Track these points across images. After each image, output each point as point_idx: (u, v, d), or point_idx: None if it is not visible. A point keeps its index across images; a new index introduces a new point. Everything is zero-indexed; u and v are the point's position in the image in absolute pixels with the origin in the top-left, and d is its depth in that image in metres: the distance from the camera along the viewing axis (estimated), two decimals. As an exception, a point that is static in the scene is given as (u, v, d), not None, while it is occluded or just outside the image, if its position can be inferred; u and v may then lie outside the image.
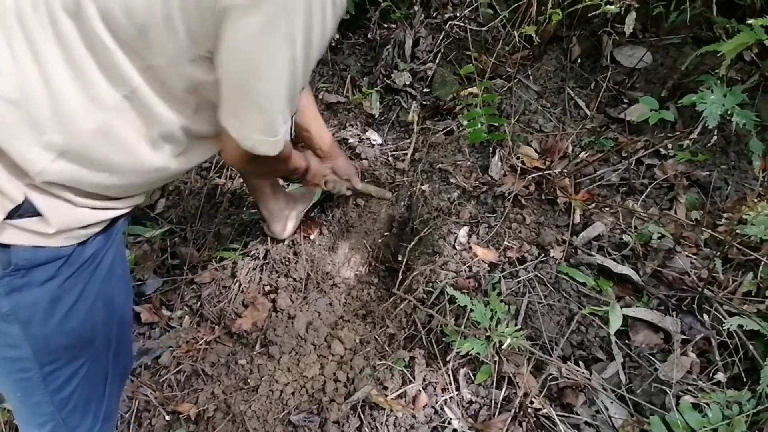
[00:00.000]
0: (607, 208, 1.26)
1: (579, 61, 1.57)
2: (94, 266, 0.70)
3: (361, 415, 1.05)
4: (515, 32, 1.49)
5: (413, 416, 1.03)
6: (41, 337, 0.67)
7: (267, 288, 1.38)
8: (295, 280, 1.39)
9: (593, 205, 1.28)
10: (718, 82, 1.17)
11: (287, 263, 1.42)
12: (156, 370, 1.23)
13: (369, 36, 1.88)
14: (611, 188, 1.32)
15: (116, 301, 0.77)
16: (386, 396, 1.06)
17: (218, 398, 1.15)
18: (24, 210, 0.61)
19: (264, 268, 1.41)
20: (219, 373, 1.20)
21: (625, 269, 1.12)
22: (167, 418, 1.14)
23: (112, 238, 0.73)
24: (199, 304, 1.34)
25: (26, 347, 0.67)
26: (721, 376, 0.98)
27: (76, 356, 0.73)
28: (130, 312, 0.86)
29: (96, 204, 0.67)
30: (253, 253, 1.42)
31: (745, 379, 0.96)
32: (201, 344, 1.25)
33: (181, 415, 1.14)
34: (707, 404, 0.91)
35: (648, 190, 1.28)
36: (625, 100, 1.49)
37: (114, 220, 0.72)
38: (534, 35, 1.41)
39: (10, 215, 0.60)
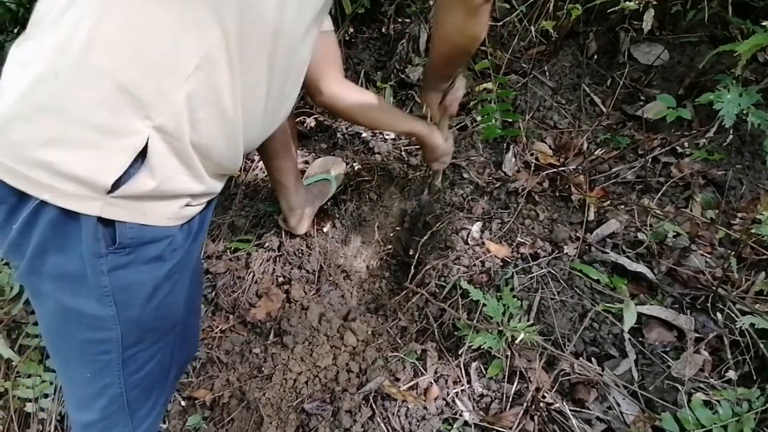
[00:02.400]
0: (622, 206, 1.26)
1: (595, 57, 1.56)
2: (190, 255, 0.71)
3: (373, 405, 1.06)
4: (532, 27, 1.48)
5: (425, 408, 1.04)
6: (134, 321, 0.68)
7: (280, 279, 1.39)
8: (308, 271, 1.41)
9: (608, 202, 1.28)
10: (734, 81, 1.17)
11: (300, 255, 1.43)
12: (172, 357, 1.25)
13: (383, 30, 1.89)
14: (627, 186, 1.32)
15: (196, 290, 0.79)
16: (398, 387, 1.07)
17: (233, 385, 1.17)
18: (129, 173, 0.59)
19: (278, 259, 1.43)
20: (234, 360, 1.22)
21: (640, 267, 1.12)
22: (183, 403, 1.17)
23: (204, 225, 0.75)
24: (214, 294, 1.36)
25: (116, 330, 0.67)
26: (732, 374, 0.98)
27: (157, 340, 0.74)
28: (200, 301, 0.88)
29: (196, 173, 0.66)
30: (267, 244, 1.44)
31: (755, 377, 0.97)
32: (216, 332, 1.27)
33: (196, 401, 1.16)
34: (718, 401, 0.92)
35: (664, 188, 1.27)
36: (642, 98, 1.48)
37: (206, 206, 0.73)
38: (551, 30, 1.40)
39: (116, 184, 0.58)
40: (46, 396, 1.28)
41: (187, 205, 0.67)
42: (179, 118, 0.59)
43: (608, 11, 1.43)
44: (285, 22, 0.65)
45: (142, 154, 0.59)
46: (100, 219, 0.60)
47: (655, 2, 1.37)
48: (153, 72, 0.57)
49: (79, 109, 0.56)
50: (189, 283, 0.76)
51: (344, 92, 1.01)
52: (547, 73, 1.56)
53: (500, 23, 1.59)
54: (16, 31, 1.80)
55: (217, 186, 0.73)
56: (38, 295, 0.68)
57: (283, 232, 1.45)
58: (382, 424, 1.03)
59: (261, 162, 1.66)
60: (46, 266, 0.63)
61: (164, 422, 1.15)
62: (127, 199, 0.60)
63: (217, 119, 0.63)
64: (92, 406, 0.74)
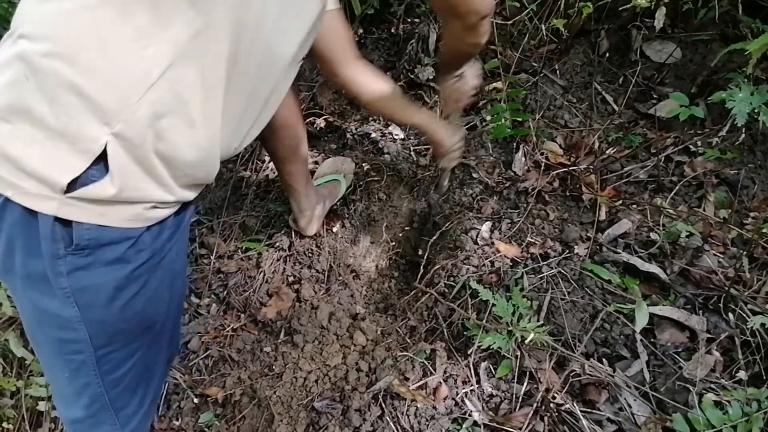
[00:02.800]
0: (634, 206, 1.25)
1: (607, 55, 1.55)
2: (161, 257, 0.70)
3: (383, 404, 1.07)
4: (542, 26, 1.47)
5: (434, 407, 1.04)
6: (98, 322, 0.67)
7: (291, 279, 1.41)
8: (318, 271, 1.42)
9: (620, 202, 1.27)
10: (746, 80, 1.16)
11: (310, 255, 1.44)
12: (185, 354, 1.27)
13: (392, 31, 1.89)
14: (639, 185, 1.31)
15: (176, 291, 0.78)
16: (407, 386, 1.07)
17: (244, 383, 1.19)
18: (89, 176, 0.59)
19: (288, 259, 1.44)
20: (245, 359, 1.24)
21: (652, 267, 1.11)
22: (195, 400, 1.18)
23: (181, 227, 0.73)
24: (225, 293, 1.38)
25: (82, 330, 0.67)
26: (742, 375, 0.97)
27: (132, 341, 0.73)
28: (183, 301, 0.87)
29: (161, 182, 0.65)
30: (277, 244, 1.45)
31: (765, 378, 0.96)
32: (228, 331, 1.29)
33: (209, 398, 1.18)
34: (728, 402, 0.91)
35: (677, 187, 1.26)
36: (654, 96, 1.46)
37: (180, 209, 0.72)
38: (562, 28, 1.39)
39: (72, 186, 0.58)
40: None
41: (154, 207, 0.66)
42: (140, 127, 0.59)
43: (620, 9, 1.42)
44: (264, 34, 0.65)
45: (105, 160, 0.59)
46: (58, 219, 0.60)
47: (666, 0, 1.36)
48: (114, 80, 0.57)
49: (41, 111, 0.57)
50: (166, 283, 0.74)
51: (360, 77, 1.02)
52: (557, 72, 1.55)
53: (510, 22, 1.58)
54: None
55: (189, 195, 0.71)
56: (14, 293, 0.69)
57: (293, 232, 1.46)
58: (392, 423, 1.04)
59: (271, 162, 1.68)
60: (15, 266, 0.64)
61: (177, 419, 1.17)
62: (85, 201, 0.60)
63: (184, 129, 0.62)
64: (76, 403, 0.75)
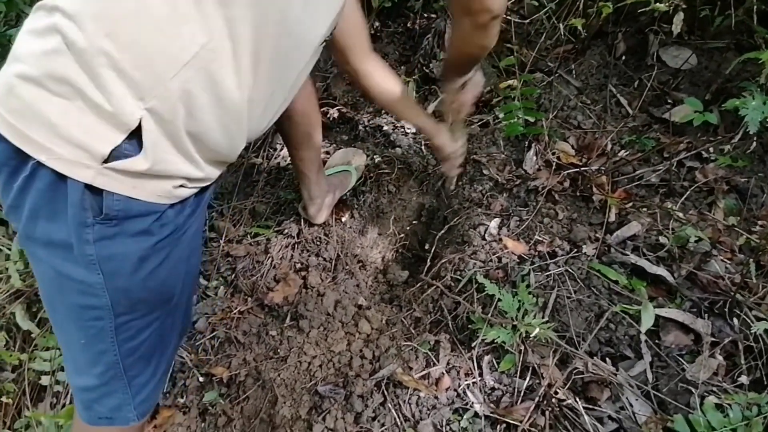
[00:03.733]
0: (644, 209, 1.25)
1: (623, 58, 1.55)
2: (182, 231, 0.72)
3: (385, 392, 1.08)
4: (561, 25, 1.48)
5: (436, 397, 1.05)
6: (122, 290, 0.69)
7: (298, 265, 1.42)
8: (325, 259, 1.43)
9: (630, 204, 1.27)
10: (759, 89, 1.17)
11: (318, 243, 1.46)
12: (192, 334, 1.29)
13: (409, 25, 1.89)
14: (650, 189, 1.31)
15: (191, 266, 0.80)
16: (410, 376, 1.09)
17: (249, 365, 1.20)
18: (123, 149, 0.61)
19: (296, 246, 1.45)
20: (251, 341, 1.25)
21: (660, 270, 1.11)
22: (201, 379, 1.20)
23: (201, 205, 0.75)
24: (233, 276, 1.39)
25: (105, 297, 0.68)
26: (744, 379, 0.98)
27: (151, 310, 0.75)
28: (198, 277, 0.88)
29: (190, 158, 0.67)
30: (286, 231, 1.46)
31: (766, 383, 0.97)
32: (234, 313, 1.30)
33: (214, 378, 1.19)
34: (729, 405, 0.92)
35: (688, 192, 1.26)
36: (669, 101, 1.47)
37: (203, 189, 0.74)
38: (580, 28, 1.40)
39: (110, 157, 0.60)
40: (63, 369, 1.28)
41: (181, 186, 0.68)
42: (173, 103, 0.61)
43: (638, 12, 1.42)
44: (293, 17, 0.67)
45: (139, 135, 0.61)
46: (88, 188, 0.61)
47: (684, 5, 1.36)
48: (150, 56, 0.59)
49: (80, 82, 0.58)
50: (185, 257, 0.76)
51: (371, 70, 1.04)
52: (573, 73, 1.55)
53: (528, 21, 1.59)
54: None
55: (214, 172, 0.73)
56: (35, 259, 0.70)
57: (302, 220, 1.47)
58: (393, 411, 1.05)
59: (283, 150, 1.69)
60: (38, 232, 0.65)
61: (182, 397, 1.19)
62: (119, 172, 0.61)
63: (215, 108, 0.64)
64: (89, 371, 0.76)
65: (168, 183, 0.66)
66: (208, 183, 0.75)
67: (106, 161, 0.60)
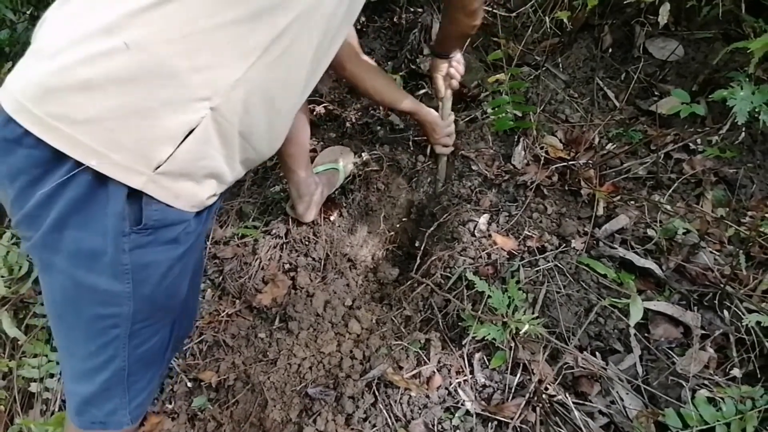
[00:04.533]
0: (632, 202, 1.25)
1: (610, 51, 1.54)
2: (199, 240, 0.73)
3: (376, 392, 1.07)
4: (546, 18, 1.47)
5: (427, 396, 1.05)
6: (147, 298, 0.69)
7: (287, 266, 1.40)
8: (314, 259, 1.41)
9: (618, 197, 1.27)
10: (747, 79, 1.16)
11: (307, 243, 1.44)
12: (179, 339, 1.27)
13: (395, 20, 1.87)
14: (638, 181, 1.31)
15: (198, 271, 0.81)
16: (401, 375, 1.08)
17: (238, 368, 1.18)
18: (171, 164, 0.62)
19: (284, 246, 1.44)
20: (239, 344, 1.24)
21: (648, 263, 1.11)
22: (189, 384, 1.18)
23: (212, 212, 0.76)
24: (221, 278, 1.37)
25: (128, 306, 0.68)
26: (736, 372, 0.98)
27: (164, 317, 0.76)
28: (201, 282, 0.90)
29: (230, 156, 0.69)
30: (274, 231, 1.45)
31: (759, 375, 0.97)
32: (223, 316, 1.28)
33: (202, 383, 1.18)
34: (722, 399, 0.92)
35: (675, 184, 1.26)
36: (656, 93, 1.46)
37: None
38: (566, 21, 1.39)
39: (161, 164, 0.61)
40: (51, 376, 1.28)
41: (213, 195, 0.70)
42: (235, 102, 0.62)
43: (624, 3, 1.41)
44: (332, 11, 0.71)
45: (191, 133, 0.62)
46: (128, 199, 0.61)
47: (670, -4, 1.35)
48: (219, 57, 0.60)
49: (146, 82, 0.58)
50: (194, 265, 0.78)
51: (352, 54, 1.12)
52: (560, 66, 1.54)
53: (514, 14, 1.57)
54: (28, 12, 1.80)
55: (240, 175, 0.76)
56: (49, 269, 0.68)
57: (290, 220, 1.45)
58: (384, 411, 1.04)
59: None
60: (64, 241, 0.63)
61: (170, 402, 1.17)
62: (168, 177, 0.62)
63: (266, 106, 0.67)
64: (93, 378, 0.75)
65: (204, 191, 0.68)
66: (227, 187, 0.76)
67: (158, 167, 0.61)
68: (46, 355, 1.29)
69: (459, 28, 1.11)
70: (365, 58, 1.21)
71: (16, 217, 0.65)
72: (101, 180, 0.60)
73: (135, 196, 0.61)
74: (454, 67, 1.29)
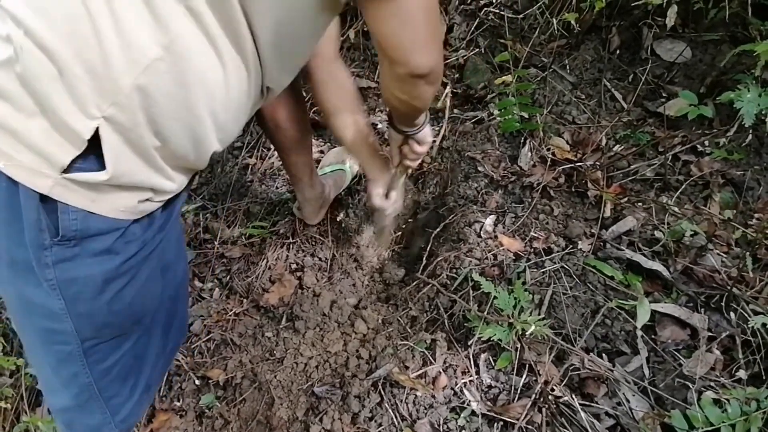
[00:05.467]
0: (639, 203, 1.25)
1: (618, 52, 1.54)
2: (152, 248, 0.68)
3: (382, 392, 1.08)
4: (554, 20, 1.47)
5: (432, 396, 1.05)
6: (85, 315, 0.65)
7: (293, 266, 1.41)
8: (320, 259, 1.42)
9: (625, 199, 1.26)
10: (754, 81, 1.16)
11: (314, 243, 1.45)
12: (188, 337, 1.28)
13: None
14: (645, 183, 1.31)
15: (169, 281, 0.75)
16: (407, 375, 1.08)
17: (245, 367, 1.20)
18: (85, 161, 0.57)
19: (291, 246, 1.45)
20: (246, 343, 1.25)
21: (656, 265, 1.11)
22: (197, 382, 1.20)
23: (173, 217, 0.71)
24: (228, 278, 1.39)
25: (68, 322, 0.64)
26: (742, 374, 0.98)
27: (120, 333, 0.71)
28: (185, 289, 0.83)
29: (154, 165, 0.62)
30: (281, 231, 1.46)
31: (764, 377, 0.96)
32: (230, 315, 1.30)
33: (210, 381, 1.19)
34: (727, 400, 0.92)
35: (683, 186, 1.26)
36: (664, 95, 1.46)
37: (169, 202, 0.69)
38: (574, 23, 1.39)
39: (70, 167, 0.56)
40: None
41: (147, 200, 0.64)
42: (132, 110, 0.56)
43: (631, 5, 1.41)
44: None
45: (99, 144, 0.57)
46: (43, 203, 0.57)
47: (677, -2, 1.35)
48: (106, 61, 0.54)
49: (41, 89, 0.54)
50: (158, 275, 0.71)
51: (333, 73, 0.97)
52: (567, 68, 1.54)
53: (521, 16, 1.58)
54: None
55: (183, 181, 0.68)
56: (0, 277, 0.65)
57: (297, 220, 1.47)
58: (390, 410, 1.05)
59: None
60: (1, 249, 0.61)
61: (178, 400, 1.19)
62: (78, 184, 0.57)
63: (180, 112, 0.59)
64: (63, 392, 0.73)
65: (132, 197, 0.61)
66: (177, 193, 0.70)
67: (65, 171, 0.56)
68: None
69: (389, 99, 0.79)
70: (341, 70, 1.00)
71: None
72: (15, 185, 0.57)
73: (51, 203, 0.57)
74: (409, 146, 1.02)
